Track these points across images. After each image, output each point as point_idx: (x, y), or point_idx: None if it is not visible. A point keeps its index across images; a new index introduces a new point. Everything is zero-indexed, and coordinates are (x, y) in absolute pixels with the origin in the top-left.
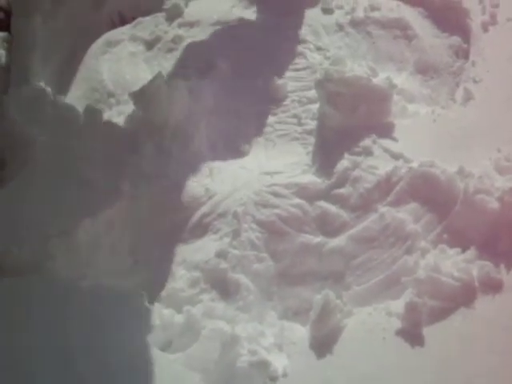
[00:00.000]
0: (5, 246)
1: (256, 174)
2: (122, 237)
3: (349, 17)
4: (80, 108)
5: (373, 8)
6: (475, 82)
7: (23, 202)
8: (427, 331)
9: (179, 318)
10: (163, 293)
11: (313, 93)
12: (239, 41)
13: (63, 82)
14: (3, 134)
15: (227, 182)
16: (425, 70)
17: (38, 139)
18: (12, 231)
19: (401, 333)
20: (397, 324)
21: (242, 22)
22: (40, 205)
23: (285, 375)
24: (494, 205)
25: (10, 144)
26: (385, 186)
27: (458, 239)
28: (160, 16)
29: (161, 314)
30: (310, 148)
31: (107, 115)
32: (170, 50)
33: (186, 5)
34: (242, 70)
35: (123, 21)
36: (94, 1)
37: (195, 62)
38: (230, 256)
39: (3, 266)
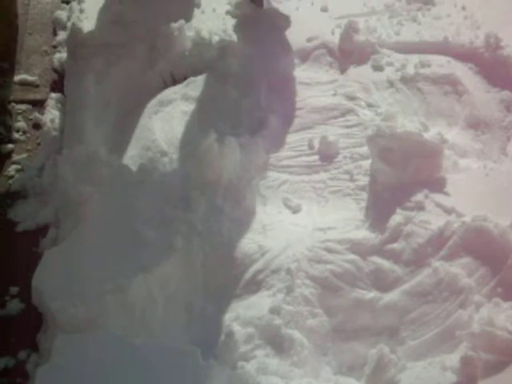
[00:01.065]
0: (61, 303)
1: (309, 230)
2: (176, 293)
3: (399, 73)
4: (134, 167)
5: (423, 64)
6: None
7: (78, 259)
8: None
9: (234, 374)
10: (217, 349)
11: (364, 149)
12: (290, 98)
13: (116, 141)
14: (57, 194)
15: (280, 238)
16: (476, 124)
17: (91, 198)
18: (67, 288)
19: None
20: (452, 378)
21: (292, 80)
22: (94, 262)
23: None
24: None
25: (64, 203)
26: (437, 241)
27: None
28: (212, 75)
29: (216, 370)
30: (363, 204)
31: (160, 174)
32: (222, 109)
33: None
34: (296, 127)
35: (175, 81)
36: (146, 61)
37: (246, 119)
38: (283, 312)
39: (60, 322)
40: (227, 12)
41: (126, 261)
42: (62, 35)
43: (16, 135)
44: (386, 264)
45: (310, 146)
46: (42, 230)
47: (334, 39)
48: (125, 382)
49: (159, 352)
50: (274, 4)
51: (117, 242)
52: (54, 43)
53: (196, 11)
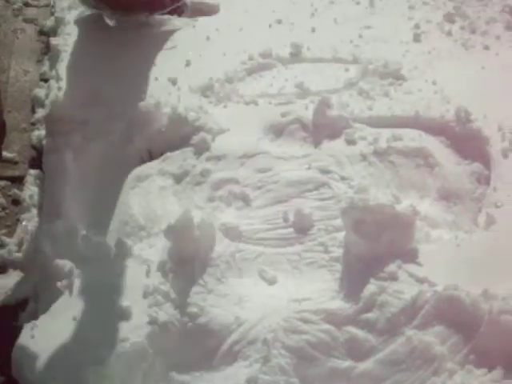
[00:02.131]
0: (40, 376)
1: (285, 301)
2: (154, 365)
3: (372, 147)
4: (112, 242)
5: (395, 138)
6: (497, 206)
7: (57, 332)
8: None
9: None
10: None
11: (338, 221)
12: (266, 173)
13: (95, 216)
14: (37, 268)
15: (256, 309)
16: (447, 196)
17: (70, 273)
18: (47, 361)
19: None
20: None
21: (268, 155)
22: (73, 334)
23: None
24: None
25: (43, 277)
26: (411, 310)
27: (485, 359)
28: (188, 150)
29: None
30: (338, 275)
31: (138, 248)
32: (199, 183)
33: (213, 139)
34: (271, 201)
35: (152, 156)
36: (124, 138)
37: (222, 192)
38: (260, 382)
39: None
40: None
41: (105, 333)
42: (40, 113)
43: None
44: (360, 333)
45: (285, 219)
46: (22, 304)
47: (308, 114)
48: None
49: None
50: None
51: (96, 315)
52: (32, 120)
53: (172, 88)
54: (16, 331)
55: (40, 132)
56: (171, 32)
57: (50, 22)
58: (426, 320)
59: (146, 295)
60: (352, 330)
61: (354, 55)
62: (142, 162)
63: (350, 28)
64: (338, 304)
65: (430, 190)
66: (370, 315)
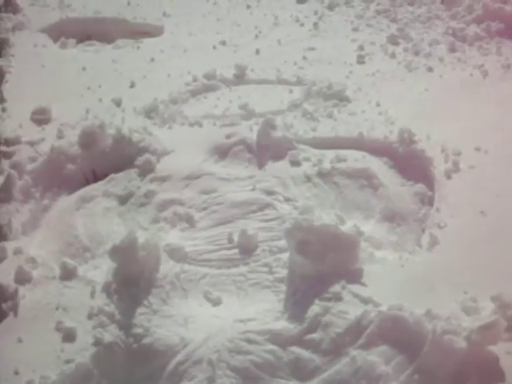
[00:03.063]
0: None
1: (229, 321)
2: None
3: (316, 168)
4: (57, 263)
5: (339, 159)
6: (440, 227)
7: (2, 354)
8: None
9: None
10: None
11: (283, 242)
12: (210, 194)
13: (38, 236)
14: None
15: (201, 330)
16: (391, 217)
17: (16, 293)
18: None
19: None
20: None
21: (212, 176)
22: (18, 356)
23: None
24: (462, 344)
25: None
26: (355, 330)
27: (429, 379)
28: (132, 172)
29: None
30: (282, 295)
31: (83, 269)
32: (143, 204)
33: (158, 160)
34: (216, 222)
35: (96, 177)
36: (68, 158)
37: (167, 213)
38: None
39: None
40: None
41: (50, 355)
42: None
43: None
44: (305, 354)
45: (230, 240)
46: None
47: (253, 135)
48: None
49: None
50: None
51: (41, 336)
52: None
53: (116, 109)
54: None
55: None
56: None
57: None
58: (371, 340)
59: (90, 316)
60: (297, 350)
61: (298, 76)
62: (87, 182)
63: (294, 50)
64: (283, 324)
65: (374, 210)
66: (314, 335)
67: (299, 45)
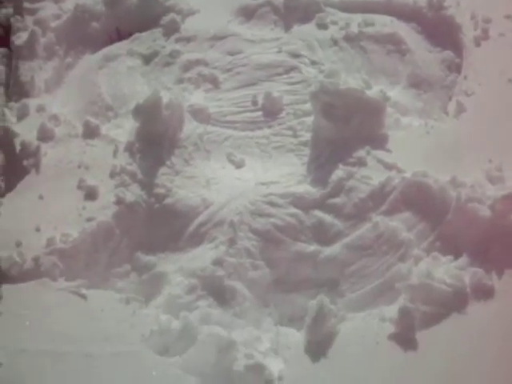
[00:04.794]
0: (7, 253)
1: (252, 184)
2: (120, 243)
3: (343, 32)
4: (80, 121)
5: (367, 23)
6: (467, 95)
7: (23, 210)
8: (420, 336)
9: (176, 324)
10: (161, 299)
11: (307, 106)
12: (235, 55)
13: (62, 95)
14: (3, 146)
15: (223, 192)
16: (418, 83)
17: (37, 150)
18: (13, 239)
19: (394, 337)
20: (390, 329)
21: (238, 37)
22: (40, 213)
23: (280, 378)
24: (486, 213)
25: (9, 155)
26: (378, 196)
27: (451, 247)
28: (157, 31)
29: (158, 319)
30: (305, 159)
31: (106, 128)
32: (167, 64)
33: (183, 20)
34: (240, 83)
35: (120, 36)
36: (93, 15)
37: (191, 73)
38: (226, 264)
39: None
40: None
41: (72, 212)
42: None
43: None
44: (327, 218)
45: (254, 103)
46: None
47: None
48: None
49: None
50: None
51: (63, 193)
52: None
53: None
54: None
55: (7, 10)
56: None
57: None
58: (394, 206)
59: (112, 175)
60: (319, 214)
61: None
62: (111, 41)
63: None
64: (306, 188)
65: (400, 76)
66: (337, 200)
67: None
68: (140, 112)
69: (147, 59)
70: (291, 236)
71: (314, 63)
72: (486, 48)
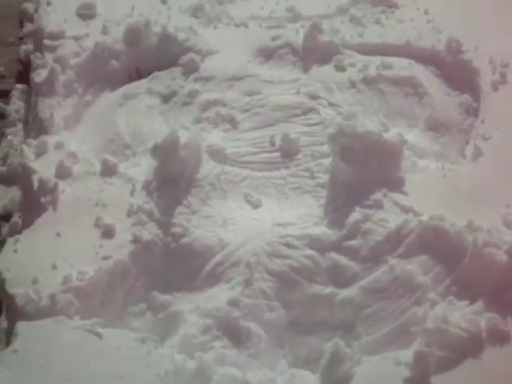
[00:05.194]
0: (23, 291)
1: (269, 225)
2: (136, 281)
3: (361, 74)
4: (98, 159)
5: (385, 66)
6: (485, 139)
7: (40, 247)
8: (435, 380)
9: (191, 364)
10: (176, 338)
11: (325, 147)
12: (254, 96)
13: (80, 132)
14: (21, 182)
15: (240, 232)
16: (435, 126)
17: (55, 187)
18: (30, 276)
19: (409, 381)
20: (405, 373)
21: (256, 78)
22: (55, 249)
23: None
24: (503, 257)
25: (27, 191)
26: (395, 239)
27: (467, 291)
28: (176, 70)
29: (173, 359)
30: (322, 201)
31: (123, 166)
32: (186, 104)
33: (202, 60)
34: (258, 124)
35: (140, 75)
36: (113, 55)
37: (209, 113)
38: (241, 304)
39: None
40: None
41: (88, 250)
42: (28, 27)
43: None
44: (343, 260)
45: (272, 143)
46: (5, 218)
47: (298, 39)
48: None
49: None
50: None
51: (80, 231)
52: (20, 35)
53: (162, 7)
54: None
55: (28, 47)
56: None
57: None
58: (410, 249)
59: (130, 213)
60: (335, 256)
61: None
62: (130, 80)
63: None
64: (322, 230)
65: (418, 119)
66: (353, 242)
67: None
68: (158, 151)
69: (166, 98)
70: (307, 278)
71: (331, 105)
72: (503, 92)
